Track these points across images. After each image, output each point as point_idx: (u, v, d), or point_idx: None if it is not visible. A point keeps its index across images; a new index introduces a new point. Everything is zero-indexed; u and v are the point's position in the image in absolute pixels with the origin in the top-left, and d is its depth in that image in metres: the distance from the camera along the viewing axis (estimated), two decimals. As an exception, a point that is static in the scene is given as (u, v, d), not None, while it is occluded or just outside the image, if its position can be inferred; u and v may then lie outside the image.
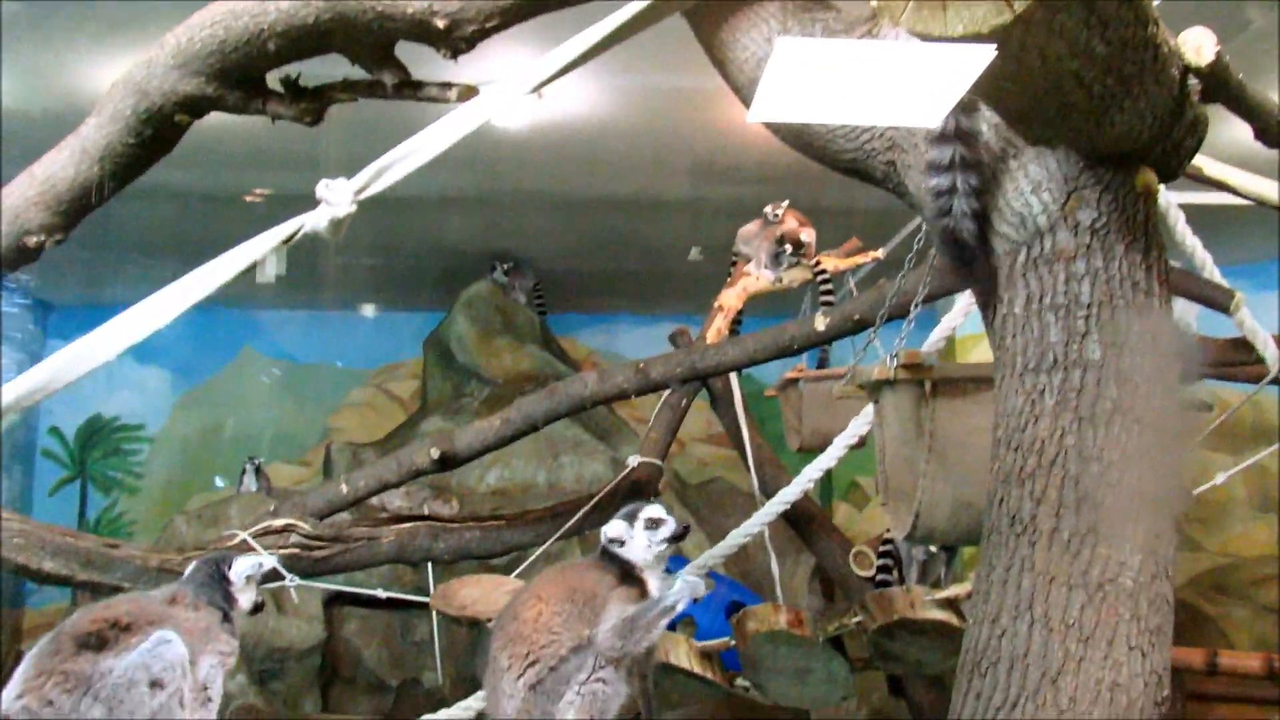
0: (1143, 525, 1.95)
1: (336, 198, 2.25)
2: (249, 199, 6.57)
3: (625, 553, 2.38)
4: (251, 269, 2.80)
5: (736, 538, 4.69)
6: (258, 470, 7.95)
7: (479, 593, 4.80)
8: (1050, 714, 1.85)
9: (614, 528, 2.44)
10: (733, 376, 5.92)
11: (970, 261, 2.28)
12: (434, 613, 5.29)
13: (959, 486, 2.97)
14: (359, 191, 2.29)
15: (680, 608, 2.33)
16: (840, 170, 2.71)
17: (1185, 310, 4.25)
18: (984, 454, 2.79)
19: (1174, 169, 2.26)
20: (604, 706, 2.16)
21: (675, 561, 4.42)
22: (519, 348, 8.20)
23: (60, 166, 2.78)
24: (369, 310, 10.14)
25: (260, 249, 2.56)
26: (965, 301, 4.99)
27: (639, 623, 2.23)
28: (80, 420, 10.11)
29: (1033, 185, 2.16)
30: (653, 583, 2.37)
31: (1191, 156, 2.34)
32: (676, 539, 2.42)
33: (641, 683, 2.32)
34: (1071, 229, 2.11)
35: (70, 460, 10.13)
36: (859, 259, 6.09)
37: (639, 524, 2.40)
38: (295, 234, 2.36)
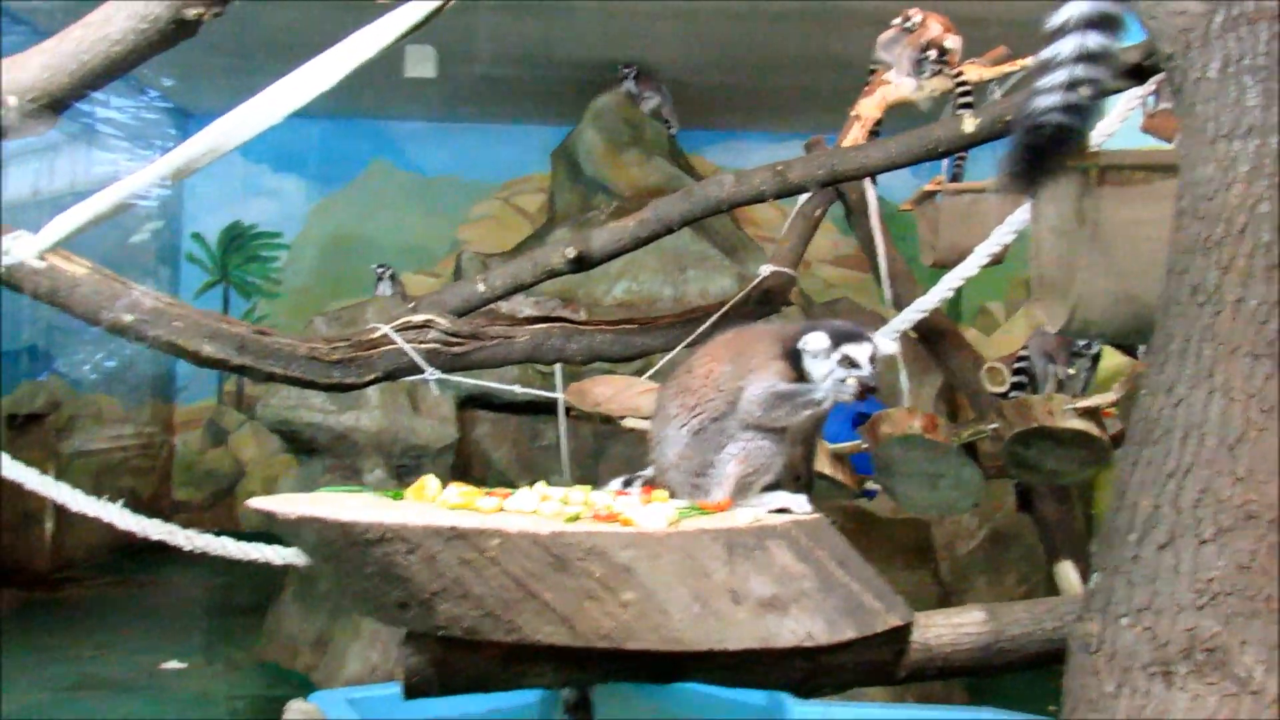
0: (1338, 293, 1.87)
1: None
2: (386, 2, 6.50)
3: (806, 362, 2.26)
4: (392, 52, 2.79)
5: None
6: (392, 277, 8.14)
7: (612, 391, 4.89)
8: (1226, 482, 1.81)
9: (816, 341, 2.27)
10: (869, 186, 5.80)
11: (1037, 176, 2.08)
12: (561, 416, 5.42)
13: (1120, 278, 2.87)
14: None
15: (826, 405, 2.28)
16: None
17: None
18: (1149, 245, 2.68)
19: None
20: (763, 464, 2.18)
21: None
22: (647, 161, 8.12)
23: (217, -67, 2.77)
24: (497, 123, 10.13)
25: (413, 16, 2.53)
26: (1122, 106, 4.75)
27: (781, 400, 2.21)
28: (221, 226, 10.47)
29: (1239, -64, 2.00)
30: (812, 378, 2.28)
31: None
32: (858, 393, 2.23)
33: (805, 448, 2.33)
34: (1281, -17, 1.96)
35: (213, 265, 10.53)
36: (1006, 67, 5.79)
37: (836, 354, 2.24)
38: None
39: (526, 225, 9.63)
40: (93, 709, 5.61)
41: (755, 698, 5.10)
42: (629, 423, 4.80)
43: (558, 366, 5.33)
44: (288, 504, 1.76)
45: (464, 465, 6.89)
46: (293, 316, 9.74)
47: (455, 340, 4.60)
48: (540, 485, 1.90)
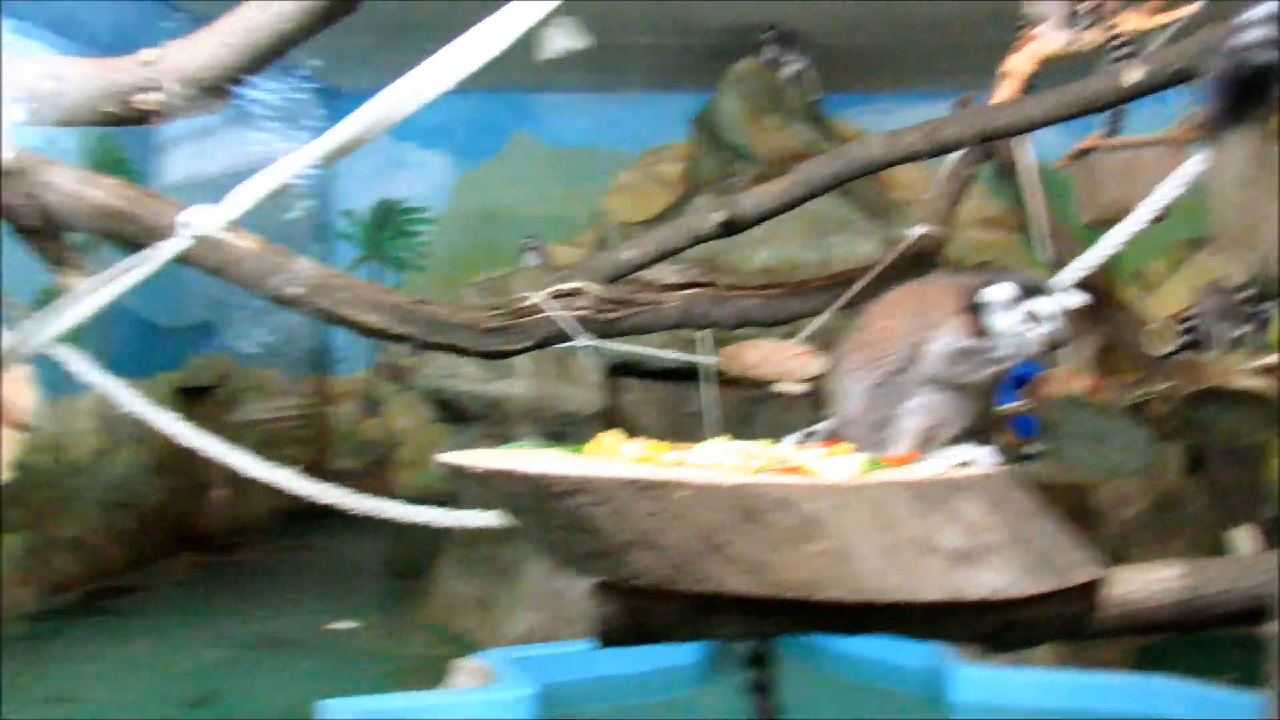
0: None
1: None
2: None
3: (989, 315, 2.18)
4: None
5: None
6: (538, 248, 8.26)
7: (764, 355, 4.90)
8: None
9: (1001, 292, 2.18)
10: (1023, 143, 5.64)
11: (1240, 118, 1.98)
12: (709, 382, 5.44)
13: (1311, 226, 2.74)
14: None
15: (1009, 361, 2.23)
16: None
17: None
18: (1342, 190, 2.54)
19: None
20: (946, 418, 2.15)
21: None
22: (788, 126, 8.05)
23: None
24: (636, 92, 10.17)
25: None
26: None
27: (963, 356, 2.17)
28: (369, 203, 10.79)
29: None
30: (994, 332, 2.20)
31: None
32: (1045, 348, 2.16)
33: (986, 402, 2.28)
34: None
35: (363, 240, 10.87)
36: (1164, 17, 5.56)
37: (1021, 307, 2.16)
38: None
39: (666, 194, 9.64)
40: (270, 665, 5.89)
41: (916, 662, 5.07)
42: (780, 387, 4.80)
43: (705, 332, 5.33)
44: (476, 459, 1.81)
45: (612, 432, 6.97)
46: (440, 289, 9.97)
47: (606, 307, 4.65)
48: (720, 440, 1.91)
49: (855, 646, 5.13)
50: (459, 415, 6.83)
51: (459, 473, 1.81)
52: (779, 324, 5.27)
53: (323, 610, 6.76)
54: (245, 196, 3.28)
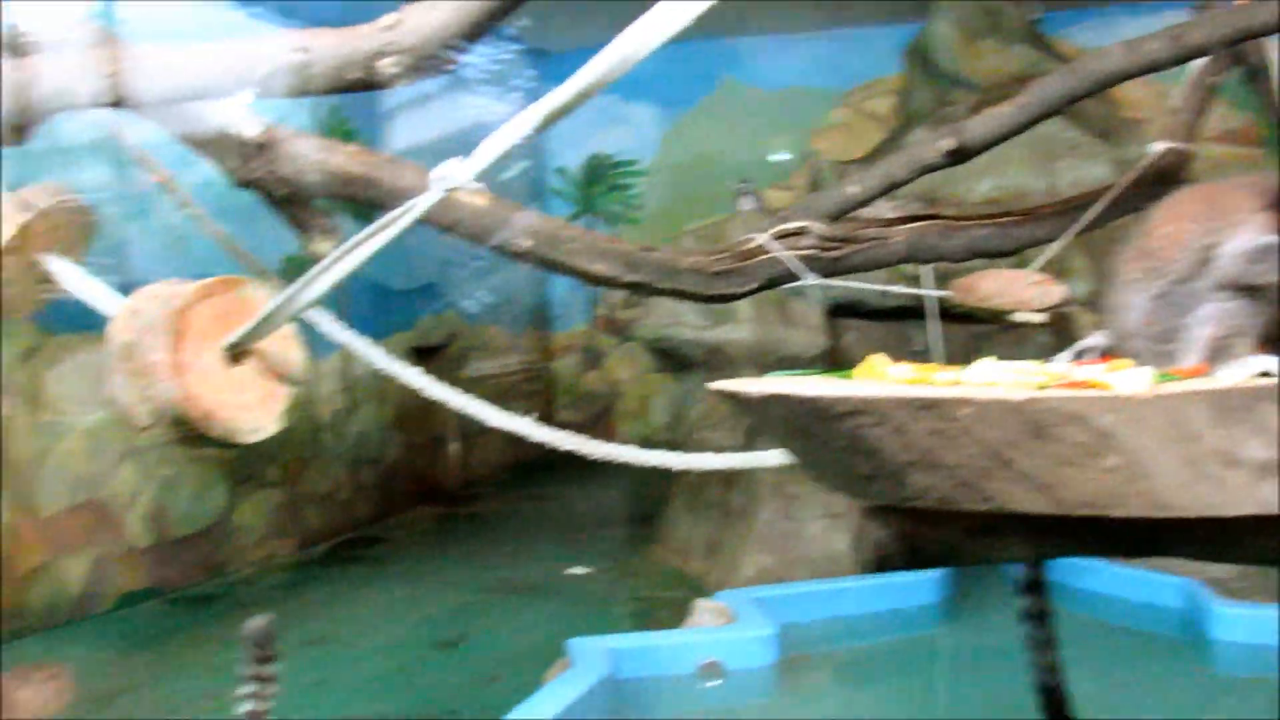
0: None
1: None
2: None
3: None
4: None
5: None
6: (750, 192, 8.21)
7: (1000, 285, 4.71)
8: None
9: None
10: (1273, 45, 5.23)
11: None
12: (934, 318, 5.29)
13: None
14: None
15: None
16: None
17: None
18: None
19: None
20: (1240, 326, 2.02)
21: None
22: (1006, 48, 7.72)
23: None
24: (841, 27, 9.96)
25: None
26: None
27: (1268, 253, 2.02)
28: (581, 159, 10.98)
29: None
30: None
31: None
32: None
33: None
34: None
35: (577, 197, 11.08)
36: None
37: None
38: None
39: (879, 130, 9.41)
40: (514, 608, 6.13)
41: (1175, 602, 4.87)
42: (1019, 316, 4.62)
43: (928, 267, 5.19)
44: (749, 385, 1.82)
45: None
46: (656, 240, 10.06)
47: (831, 245, 4.58)
48: (990, 360, 1.85)
49: (1109, 586, 4.96)
50: (680, 363, 6.89)
51: (734, 399, 1.81)
52: (1009, 254, 5.07)
53: (558, 556, 6.98)
54: (488, 152, 3.36)
